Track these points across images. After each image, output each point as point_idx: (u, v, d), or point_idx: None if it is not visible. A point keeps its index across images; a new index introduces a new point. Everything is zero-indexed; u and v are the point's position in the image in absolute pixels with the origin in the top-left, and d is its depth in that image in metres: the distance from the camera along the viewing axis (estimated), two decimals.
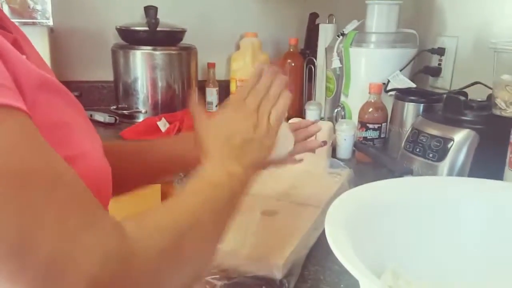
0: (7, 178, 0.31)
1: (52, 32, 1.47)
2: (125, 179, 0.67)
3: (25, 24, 1.44)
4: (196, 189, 0.46)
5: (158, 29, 1.35)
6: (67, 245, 0.31)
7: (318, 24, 1.46)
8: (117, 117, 1.36)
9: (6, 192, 0.30)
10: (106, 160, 0.48)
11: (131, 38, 1.41)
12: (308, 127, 0.70)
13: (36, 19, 1.49)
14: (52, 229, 0.31)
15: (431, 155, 0.84)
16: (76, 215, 0.33)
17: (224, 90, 1.60)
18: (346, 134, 1.08)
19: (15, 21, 1.40)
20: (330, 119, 1.28)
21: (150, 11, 1.35)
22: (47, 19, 1.50)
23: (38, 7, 1.48)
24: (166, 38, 1.40)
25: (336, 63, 1.21)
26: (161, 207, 0.43)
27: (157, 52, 1.37)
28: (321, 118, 1.31)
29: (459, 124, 0.82)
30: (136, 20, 1.43)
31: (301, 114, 1.44)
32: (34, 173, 0.32)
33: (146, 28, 1.35)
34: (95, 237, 0.33)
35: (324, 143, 0.72)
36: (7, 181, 0.30)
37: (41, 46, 1.40)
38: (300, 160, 0.68)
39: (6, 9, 1.41)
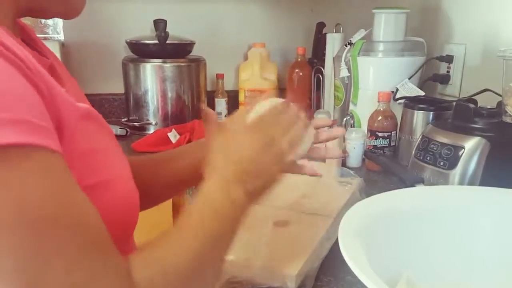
0: (21, 224, 0.31)
1: (63, 46, 1.49)
2: (158, 190, 0.68)
3: None
4: (199, 220, 0.45)
5: (167, 42, 1.37)
6: None
7: (325, 34, 1.47)
8: (128, 129, 1.38)
9: (18, 238, 0.31)
10: (134, 184, 0.49)
11: (141, 51, 1.43)
12: (332, 128, 0.65)
13: (48, 34, 1.52)
14: (59, 280, 0.32)
15: (442, 163, 0.83)
16: (86, 266, 0.33)
17: (233, 100, 1.61)
18: (355, 142, 1.08)
19: None
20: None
21: (160, 24, 1.37)
22: (58, 33, 1.53)
23: (49, 22, 1.51)
24: (176, 50, 1.42)
25: (344, 72, 1.22)
26: (166, 243, 0.42)
27: (167, 65, 1.38)
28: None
29: (469, 131, 0.82)
30: (146, 34, 1.46)
31: None
32: (49, 220, 0.32)
33: (156, 41, 1.37)
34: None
35: (344, 152, 0.68)
36: (21, 227, 0.31)
37: None
38: (318, 174, 0.63)
39: None
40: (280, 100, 0.58)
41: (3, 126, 0.30)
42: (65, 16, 0.50)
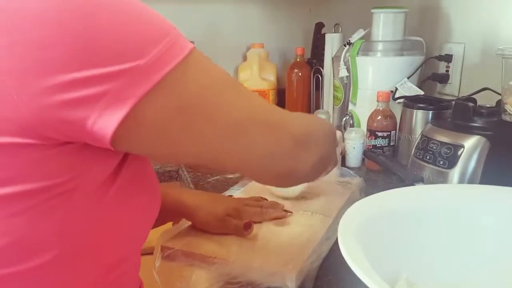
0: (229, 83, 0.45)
1: None
2: None
3: None
4: None
5: None
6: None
7: (324, 34, 1.47)
8: None
9: (235, 89, 0.45)
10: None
11: None
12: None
13: None
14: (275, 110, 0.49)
15: (441, 162, 0.83)
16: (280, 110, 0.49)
17: None
18: (355, 142, 1.08)
19: None
20: (338, 127, 1.28)
21: None
22: None
23: None
24: None
25: (343, 72, 1.22)
26: None
27: None
28: None
29: (469, 130, 0.82)
30: None
31: None
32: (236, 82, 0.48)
33: None
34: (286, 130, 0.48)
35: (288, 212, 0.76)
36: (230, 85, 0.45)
37: None
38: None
39: None
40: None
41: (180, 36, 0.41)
42: None
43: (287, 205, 0.77)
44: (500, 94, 0.82)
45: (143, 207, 0.46)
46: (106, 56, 0.34)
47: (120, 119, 0.35)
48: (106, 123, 0.35)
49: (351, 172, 0.96)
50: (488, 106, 0.84)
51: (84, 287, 0.43)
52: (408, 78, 1.13)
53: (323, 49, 1.44)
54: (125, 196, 0.42)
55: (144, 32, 0.37)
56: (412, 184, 0.83)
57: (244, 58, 1.65)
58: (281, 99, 1.60)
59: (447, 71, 1.17)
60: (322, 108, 1.43)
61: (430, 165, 0.86)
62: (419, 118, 1.02)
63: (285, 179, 0.50)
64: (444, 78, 1.17)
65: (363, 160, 1.10)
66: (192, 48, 0.41)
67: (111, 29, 0.34)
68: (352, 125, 1.20)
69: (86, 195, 0.38)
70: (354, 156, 1.09)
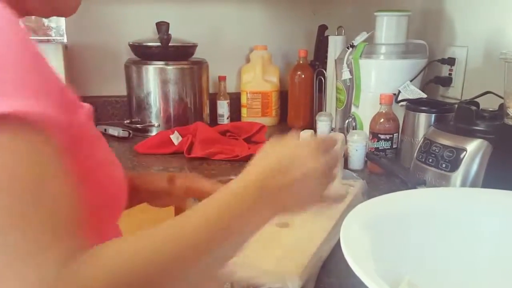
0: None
1: (66, 49, 1.50)
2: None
3: (40, 41, 1.48)
4: (200, 206, 0.43)
5: (170, 44, 1.38)
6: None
7: (327, 36, 1.47)
8: (131, 131, 1.38)
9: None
10: (122, 169, 0.52)
11: (143, 54, 1.43)
12: None
13: (51, 36, 1.53)
14: None
15: (444, 165, 0.84)
16: (25, 241, 0.31)
17: (235, 102, 1.62)
18: (357, 145, 1.09)
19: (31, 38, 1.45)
20: (341, 130, 1.28)
21: (162, 27, 1.37)
22: (61, 36, 1.54)
23: (53, 24, 1.52)
24: (178, 53, 1.43)
25: (346, 75, 1.22)
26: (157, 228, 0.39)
27: (169, 67, 1.39)
28: (332, 129, 1.31)
29: (471, 134, 0.82)
30: (148, 36, 1.46)
31: (312, 125, 1.45)
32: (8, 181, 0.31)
33: (158, 44, 1.38)
34: (32, 269, 0.30)
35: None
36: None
37: (56, 62, 1.43)
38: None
39: None
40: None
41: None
42: (63, 13, 0.51)
43: None
44: (502, 98, 0.82)
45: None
46: None
47: None
48: None
49: (354, 174, 0.96)
50: (490, 109, 0.85)
51: None
52: (411, 81, 1.14)
53: (326, 52, 1.44)
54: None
55: None
56: (415, 187, 0.84)
57: (247, 60, 1.66)
58: (283, 101, 1.61)
59: (450, 74, 1.17)
60: (325, 111, 1.43)
61: (433, 168, 0.86)
62: (422, 121, 1.02)
63: None
64: (447, 81, 1.18)
65: (365, 162, 1.10)
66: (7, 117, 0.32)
67: None
68: (354, 128, 1.20)
69: None
70: (356, 159, 1.10)
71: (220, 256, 0.42)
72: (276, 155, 0.49)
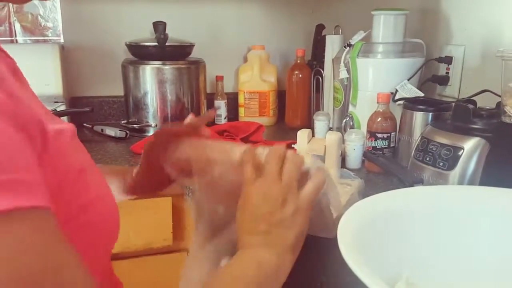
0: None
1: (63, 49, 1.50)
2: None
3: (36, 41, 1.47)
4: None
5: (167, 44, 1.38)
6: None
7: (324, 36, 1.47)
8: (128, 131, 1.38)
9: None
10: (114, 200, 0.50)
11: (140, 54, 1.43)
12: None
13: (48, 36, 1.52)
14: None
15: (441, 163, 0.84)
16: None
17: (233, 102, 1.61)
18: (355, 144, 1.09)
19: (27, 39, 1.44)
20: (338, 129, 1.28)
21: (159, 27, 1.37)
22: (58, 36, 1.53)
23: (49, 24, 1.51)
24: (175, 52, 1.43)
25: (343, 74, 1.22)
26: None
27: (166, 67, 1.39)
28: (330, 128, 1.31)
29: (468, 132, 0.82)
30: (145, 36, 1.46)
31: (309, 124, 1.45)
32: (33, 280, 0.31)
33: (155, 43, 1.37)
34: None
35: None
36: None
37: (53, 62, 1.42)
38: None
39: (18, 28, 1.44)
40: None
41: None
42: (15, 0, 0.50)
43: None
44: (500, 96, 0.82)
45: None
46: None
47: None
48: None
49: (351, 173, 0.96)
50: (488, 108, 0.85)
51: None
52: (408, 80, 1.14)
53: (324, 51, 1.44)
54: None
55: None
56: (412, 186, 0.83)
57: (245, 60, 1.66)
58: (281, 101, 1.61)
59: (447, 73, 1.17)
60: (322, 110, 1.43)
61: (430, 167, 0.86)
62: (419, 119, 1.02)
63: None
64: (444, 80, 1.18)
65: (363, 161, 1.10)
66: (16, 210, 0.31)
67: None
68: (352, 127, 1.20)
69: None
70: (354, 158, 1.10)
71: None
72: (253, 202, 0.50)
